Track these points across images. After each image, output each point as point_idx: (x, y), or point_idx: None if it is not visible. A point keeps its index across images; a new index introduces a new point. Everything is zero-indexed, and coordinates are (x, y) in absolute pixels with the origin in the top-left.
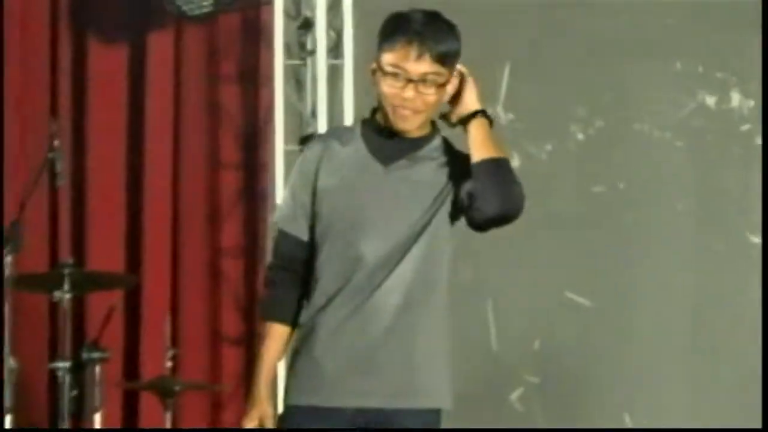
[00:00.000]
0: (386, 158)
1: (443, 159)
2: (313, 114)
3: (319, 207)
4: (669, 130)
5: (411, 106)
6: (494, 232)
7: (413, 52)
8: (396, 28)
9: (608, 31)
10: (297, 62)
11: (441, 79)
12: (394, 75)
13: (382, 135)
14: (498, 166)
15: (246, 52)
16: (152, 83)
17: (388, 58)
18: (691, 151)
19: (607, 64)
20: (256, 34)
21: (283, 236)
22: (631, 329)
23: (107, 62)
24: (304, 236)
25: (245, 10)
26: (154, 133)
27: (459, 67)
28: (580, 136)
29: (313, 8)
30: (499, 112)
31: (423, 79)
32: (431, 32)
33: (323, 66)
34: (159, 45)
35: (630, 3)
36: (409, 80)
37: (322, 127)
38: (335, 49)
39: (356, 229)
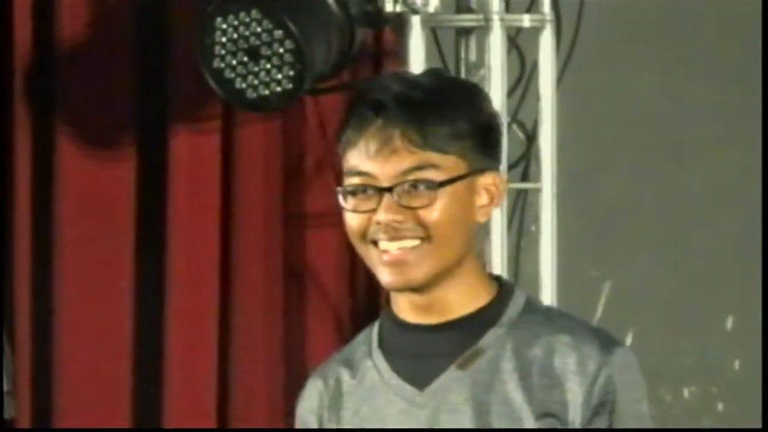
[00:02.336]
0: (421, 374)
1: (535, 351)
2: None
3: None
4: None
5: (395, 235)
6: None
7: (374, 139)
8: (352, 105)
9: None
10: None
11: (440, 175)
12: (356, 191)
13: (409, 332)
14: None
15: None
16: None
17: (346, 163)
18: None
19: None
20: None
21: None
22: None
23: None
24: None
25: None
26: None
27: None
28: None
29: None
30: None
31: (405, 183)
32: (409, 99)
33: None
34: None
35: None
36: (383, 190)
37: None
38: None
39: None
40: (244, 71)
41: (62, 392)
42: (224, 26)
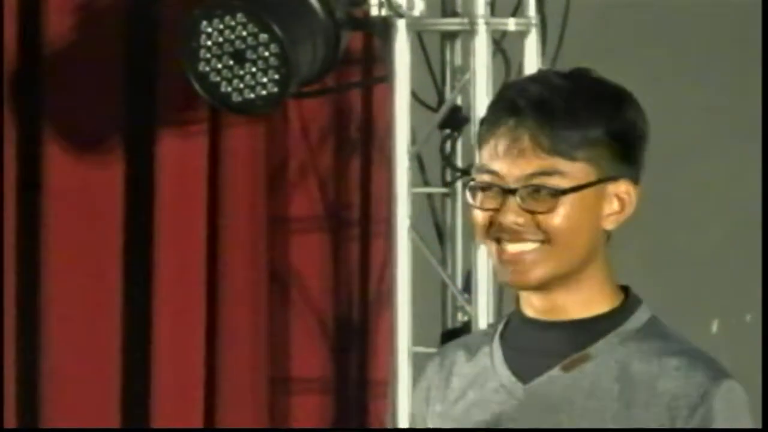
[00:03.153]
0: (528, 369)
1: (643, 368)
2: None
3: None
4: None
5: (516, 237)
6: None
7: (504, 138)
8: (492, 105)
9: None
10: None
11: (567, 182)
12: (484, 188)
13: (527, 327)
14: None
15: None
16: None
17: (478, 160)
18: None
19: None
20: None
21: None
22: None
23: None
24: None
25: None
26: None
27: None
28: None
29: None
30: None
31: (529, 186)
32: (544, 102)
33: None
34: None
35: None
36: (507, 191)
37: None
38: None
39: None
40: (229, 75)
41: (50, 392)
42: (209, 30)
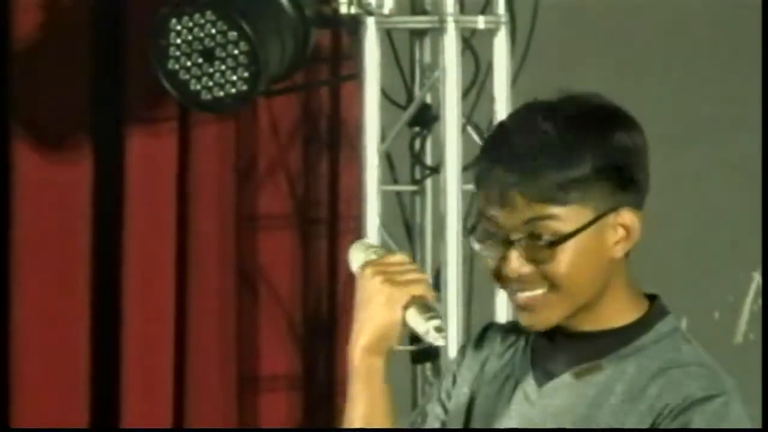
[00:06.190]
0: (545, 371)
1: (650, 381)
2: None
3: None
4: None
5: (523, 287)
6: None
7: (494, 188)
8: (483, 148)
9: None
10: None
11: (564, 225)
12: (489, 236)
13: (556, 328)
14: None
15: None
16: None
17: (479, 201)
18: None
19: None
20: None
21: None
22: None
23: None
24: None
25: None
26: None
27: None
28: None
29: None
30: None
31: (526, 235)
32: (528, 150)
33: None
34: None
35: None
36: (506, 242)
37: None
38: None
39: None
40: (198, 73)
41: (18, 393)
42: (179, 28)
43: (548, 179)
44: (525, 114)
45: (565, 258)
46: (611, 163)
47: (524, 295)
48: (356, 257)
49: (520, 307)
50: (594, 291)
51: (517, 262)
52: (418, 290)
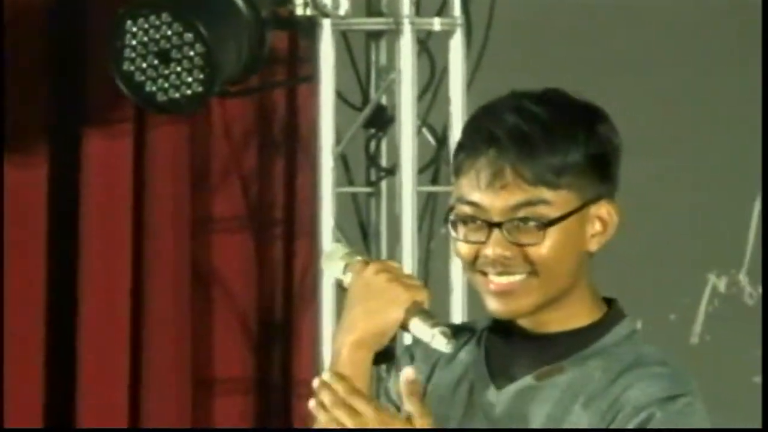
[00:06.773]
0: (505, 374)
1: (610, 380)
2: None
3: None
4: None
5: (503, 270)
6: None
7: (485, 170)
8: (467, 131)
9: None
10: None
11: (552, 211)
12: (466, 220)
13: (510, 333)
14: None
15: None
16: None
17: (457, 189)
18: None
19: None
20: None
21: None
22: None
23: None
24: None
25: None
26: None
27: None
28: None
29: None
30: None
31: (515, 219)
32: (523, 132)
33: None
34: None
35: None
36: (491, 225)
37: None
38: None
39: None
40: (154, 74)
41: None
42: (134, 29)
43: (544, 162)
44: (515, 100)
45: (551, 242)
46: (600, 153)
47: (503, 280)
48: (335, 263)
49: (495, 294)
50: (568, 283)
51: (501, 244)
52: (420, 295)
